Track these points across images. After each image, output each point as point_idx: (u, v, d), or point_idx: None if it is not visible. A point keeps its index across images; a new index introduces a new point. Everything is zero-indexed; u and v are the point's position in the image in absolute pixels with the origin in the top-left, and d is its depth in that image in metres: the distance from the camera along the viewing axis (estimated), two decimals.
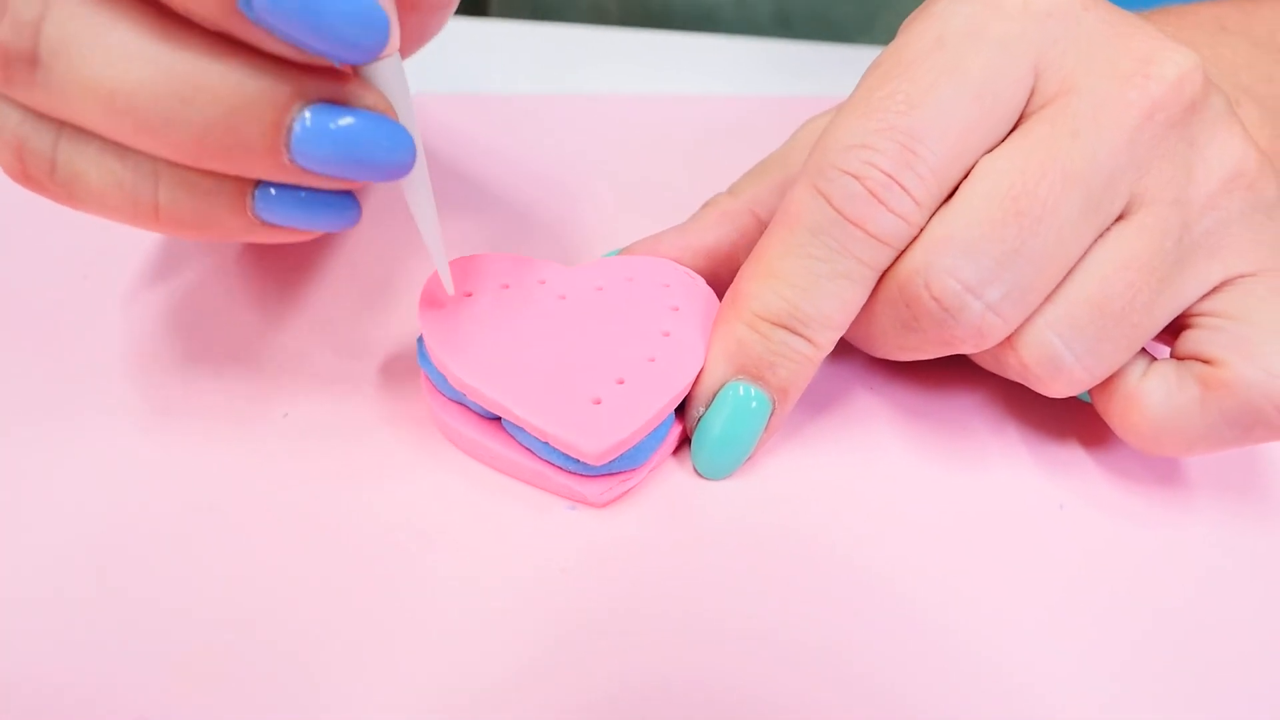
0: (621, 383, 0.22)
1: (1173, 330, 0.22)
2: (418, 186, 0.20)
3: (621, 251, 0.26)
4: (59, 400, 0.23)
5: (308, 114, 0.16)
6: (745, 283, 0.22)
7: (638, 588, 0.20)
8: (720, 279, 0.25)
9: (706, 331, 0.23)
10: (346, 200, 0.19)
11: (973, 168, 0.21)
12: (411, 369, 0.25)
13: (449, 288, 0.22)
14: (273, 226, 0.18)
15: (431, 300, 0.23)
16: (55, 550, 0.20)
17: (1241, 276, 0.21)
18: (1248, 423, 0.21)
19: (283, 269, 0.27)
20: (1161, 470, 0.24)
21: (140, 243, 0.28)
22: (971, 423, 0.25)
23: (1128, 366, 0.22)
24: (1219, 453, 0.23)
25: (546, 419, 0.21)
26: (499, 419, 0.22)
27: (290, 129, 0.16)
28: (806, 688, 0.19)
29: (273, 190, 0.18)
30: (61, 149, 0.17)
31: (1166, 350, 0.23)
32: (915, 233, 0.21)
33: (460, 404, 0.22)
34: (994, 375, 0.26)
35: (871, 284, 0.21)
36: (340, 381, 0.24)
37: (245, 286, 0.27)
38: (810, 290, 0.21)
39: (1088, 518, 0.23)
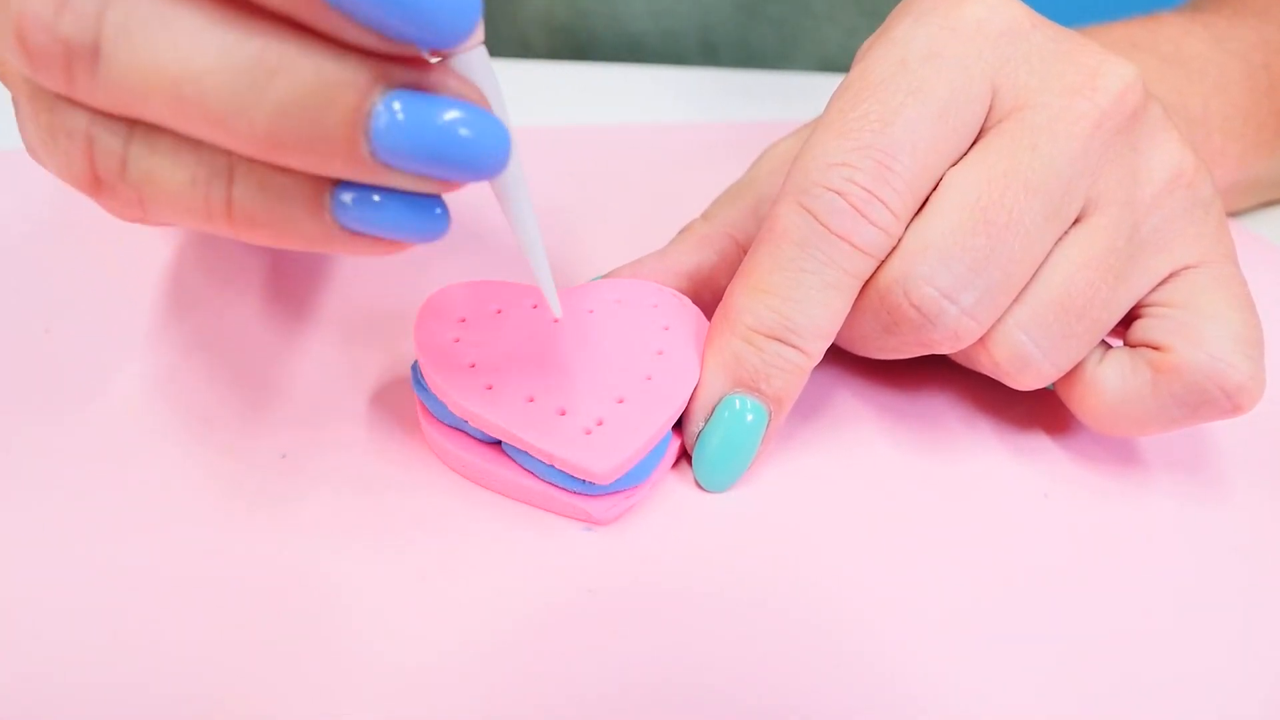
0: (622, 402, 0.22)
1: (1124, 321, 0.24)
2: (513, 188, 0.18)
3: (604, 276, 0.26)
4: (45, 447, 0.22)
5: (391, 102, 0.15)
6: (736, 299, 0.23)
7: (662, 602, 0.20)
8: (702, 300, 0.26)
9: (699, 348, 0.24)
10: (433, 204, 0.17)
11: (941, 180, 0.22)
12: (404, 394, 0.25)
13: (556, 309, 0.21)
14: (352, 234, 0.17)
15: (428, 327, 0.23)
16: (44, 588, 0.19)
17: (1187, 268, 0.23)
18: (1194, 403, 0.23)
19: (270, 300, 0.27)
20: (1119, 452, 0.26)
21: (102, 291, 0.27)
22: (947, 419, 0.26)
23: (1086, 356, 0.24)
24: (1169, 432, 0.24)
25: (552, 442, 0.21)
26: (498, 443, 0.22)
27: (371, 117, 0.15)
28: (827, 683, 0.19)
29: (353, 191, 0.16)
30: (133, 147, 0.16)
31: (1120, 340, 0.25)
32: (893, 243, 0.22)
33: (459, 429, 0.23)
34: (964, 372, 0.27)
35: (855, 292, 0.22)
36: (335, 414, 0.24)
37: (227, 325, 0.26)
38: (801, 302, 0.22)
39: (1070, 503, 0.24)
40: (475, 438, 0.22)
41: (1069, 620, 0.21)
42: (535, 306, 0.24)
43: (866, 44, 0.24)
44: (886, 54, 0.22)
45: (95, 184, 0.17)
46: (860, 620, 0.21)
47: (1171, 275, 0.23)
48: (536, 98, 0.43)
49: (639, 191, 0.36)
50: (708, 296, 0.26)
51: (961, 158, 0.22)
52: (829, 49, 0.54)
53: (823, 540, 0.22)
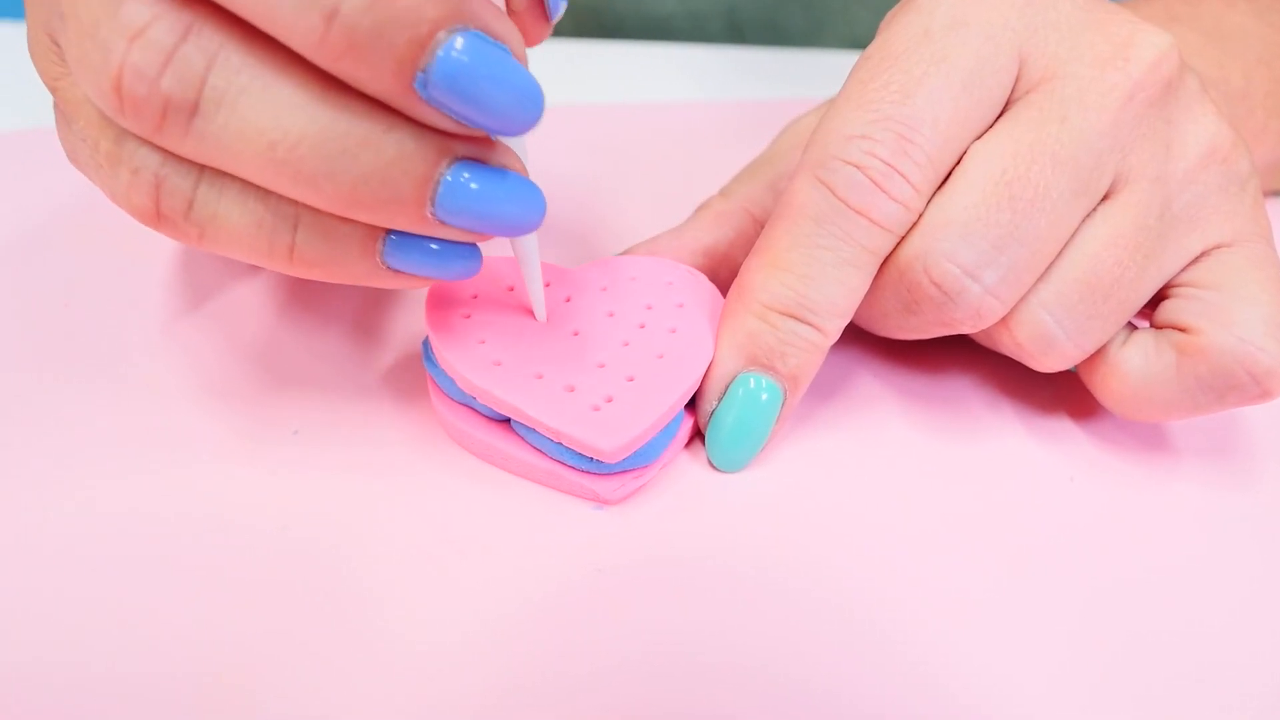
0: (632, 380, 0.22)
1: (1152, 302, 0.23)
2: (529, 237, 0.21)
3: (620, 254, 0.26)
4: (58, 424, 0.22)
5: (453, 171, 0.17)
6: (752, 275, 0.22)
7: (672, 583, 0.20)
8: (719, 278, 0.26)
9: (713, 326, 0.23)
10: (471, 251, 0.19)
11: (965, 154, 0.21)
12: (415, 370, 0.25)
13: (541, 316, 0.23)
14: (396, 273, 0.18)
15: (438, 304, 0.22)
16: (55, 566, 0.19)
17: (1219, 247, 0.22)
18: (1221, 387, 0.22)
19: (283, 276, 0.27)
20: (1146, 437, 0.25)
21: (121, 267, 0.27)
22: (969, 401, 0.25)
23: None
24: (1196, 417, 0.24)
25: (559, 418, 0.21)
26: (507, 420, 0.22)
27: (437, 184, 0.17)
28: (840, 667, 0.19)
29: (403, 239, 0.18)
30: (201, 189, 0.17)
31: (1147, 322, 0.24)
32: (914, 218, 0.21)
33: (468, 406, 0.22)
34: (987, 354, 0.26)
35: (874, 270, 0.22)
36: (347, 391, 0.24)
37: (240, 302, 0.26)
38: (817, 279, 0.21)
39: (1096, 489, 0.23)
40: (485, 415, 0.22)
41: (1092, 606, 0.20)
42: (547, 284, 0.24)
43: (890, 13, 0.23)
44: (910, 23, 0.22)
45: (156, 217, 0.18)
46: (877, 605, 0.20)
47: (1203, 255, 0.22)
48: (561, 75, 0.43)
49: (661, 170, 0.36)
50: (725, 274, 0.26)
51: (987, 130, 0.21)
52: (859, 29, 0.53)
53: (839, 523, 0.22)
